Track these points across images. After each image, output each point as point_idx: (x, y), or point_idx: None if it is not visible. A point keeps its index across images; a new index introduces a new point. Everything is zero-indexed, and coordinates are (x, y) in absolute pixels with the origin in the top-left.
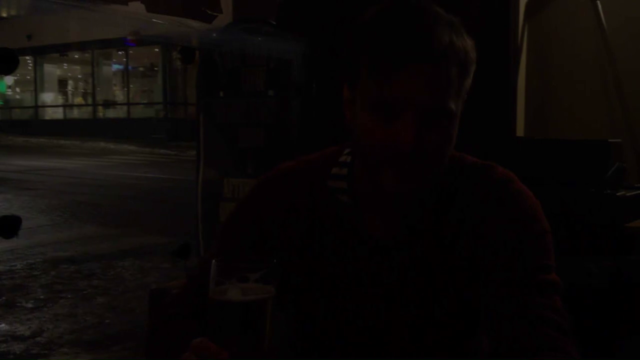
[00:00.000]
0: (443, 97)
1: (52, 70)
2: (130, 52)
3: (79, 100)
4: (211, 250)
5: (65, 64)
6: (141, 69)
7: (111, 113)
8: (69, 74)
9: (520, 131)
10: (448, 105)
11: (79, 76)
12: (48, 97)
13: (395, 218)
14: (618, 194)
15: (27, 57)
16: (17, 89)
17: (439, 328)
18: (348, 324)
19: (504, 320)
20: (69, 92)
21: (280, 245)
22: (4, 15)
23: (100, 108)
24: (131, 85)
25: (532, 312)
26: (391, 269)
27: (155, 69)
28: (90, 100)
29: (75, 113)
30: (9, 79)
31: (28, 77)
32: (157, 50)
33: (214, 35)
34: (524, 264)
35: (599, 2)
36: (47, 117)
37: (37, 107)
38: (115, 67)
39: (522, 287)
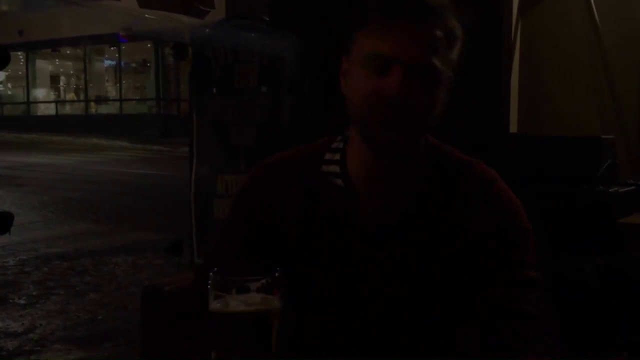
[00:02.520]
0: (428, 55)
1: (44, 66)
2: (123, 48)
3: (71, 96)
4: (214, 243)
5: (57, 60)
6: (133, 65)
7: (103, 109)
8: (61, 70)
9: (513, 128)
10: (433, 62)
11: (71, 72)
12: (40, 93)
13: (386, 201)
14: (611, 190)
15: (19, 53)
16: (9, 85)
17: (429, 311)
18: (341, 304)
19: (484, 314)
20: (61, 88)
21: (278, 230)
22: None
23: (92, 104)
24: (123, 81)
25: (512, 306)
26: (382, 249)
27: (148, 65)
28: (82, 96)
29: (68, 109)
30: (0, 75)
31: (20, 73)
32: (149, 46)
33: (207, 31)
34: (506, 261)
35: (591, 0)
36: (39, 113)
37: (29, 103)
38: (108, 63)
39: (504, 282)
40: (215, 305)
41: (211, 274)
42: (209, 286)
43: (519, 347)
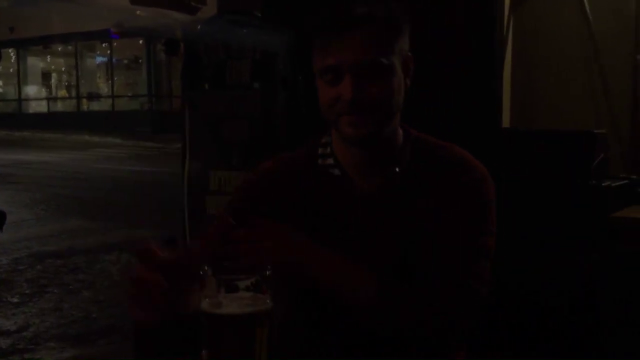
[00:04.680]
0: (370, 53)
1: (36, 63)
2: (114, 44)
3: (62, 93)
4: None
5: (48, 57)
6: (125, 61)
7: (95, 106)
8: (53, 67)
9: (506, 123)
10: (379, 60)
11: (63, 69)
12: (31, 90)
13: (373, 179)
14: (604, 184)
15: (10, 50)
16: (0, 82)
17: (413, 272)
18: None
19: (431, 275)
20: (53, 85)
21: (281, 220)
22: None
23: (84, 101)
24: (115, 78)
25: (458, 276)
26: (374, 218)
27: (140, 61)
28: (74, 93)
29: (59, 106)
30: None
31: (11, 70)
32: (141, 42)
33: (199, 27)
34: (468, 228)
35: None
36: (30, 111)
37: (21, 100)
38: (99, 59)
39: (460, 250)
40: (205, 304)
41: (200, 272)
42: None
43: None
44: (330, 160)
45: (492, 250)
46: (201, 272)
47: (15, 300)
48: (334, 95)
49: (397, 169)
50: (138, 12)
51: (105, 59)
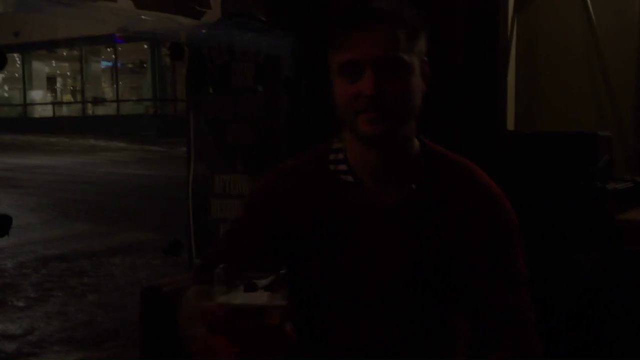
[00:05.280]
0: (393, 50)
1: (41, 68)
2: (119, 48)
3: (67, 97)
4: (219, 242)
5: (53, 61)
6: (130, 65)
7: (100, 110)
8: (58, 71)
9: (510, 125)
10: (399, 56)
11: (68, 73)
12: (37, 94)
13: (387, 186)
14: (608, 186)
15: (15, 54)
16: (5, 87)
17: (426, 297)
18: (349, 279)
19: (479, 313)
20: (58, 90)
21: (289, 229)
22: None
23: (89, 105)
24: (120, 82)
25: (504, 310)
26: (387, 228)
27: (144, 65)
28: (79, 98)
29: (64, 110)
30: None
31: (16, 75)
32: (145, 46)
33: (203, 31)
34: (498, 261)
35: None
36: (36, 115)
37: (26, 105)
38: (104, 63)
39: (496, 283)
40: (221, 300)
41: (217, 270)
42: (215, 281)
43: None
44: (344, 167)
45: (527, 277)
46: (218, 272)
47: (20, 304)
48: (353, 92)
49: (414, 186)
50: (143, 17)
51: (110, 64)
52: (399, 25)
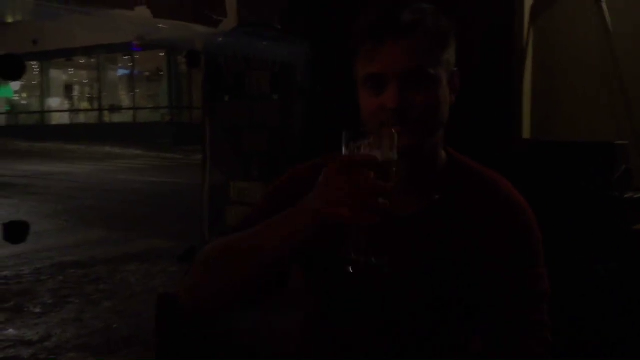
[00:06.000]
0: (417, 62)
1: (58, 76)
2: (136, 56)
3: (85, 105)
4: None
5: (71, 69)
6: (147, 73)
7: (117, 118)
8: (75, 79)
9: (526, 134)
10: (425, 69)
11: (85, 81)
12: (54, 102)
13: (411, 195)
14: (625, 196)
15: (33, 63)
16: (24, 95)
17: (444, 309)
18: (363, 287)
19: (496, 327)
20: (75, 97)
21: None
22: (10, 20)
23: (106, 113)
24: (137, 90)
25: (522, 325)
26: (408, 237)
27: (161, 73)
28: (96, 105)
29: (82, 118)
30: (15, 85)
31: (34, 83)
32: (162, 54)
33: (219, 39)
34: (520, 275)
35: (603, 4)
36: (53, 122)
37: (44, 112)
38: (121, 71)
39: (517, 298)
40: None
41: (344, 132)
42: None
43: None
44: None
45: (548, 292)
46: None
47: (37, 310)
48: (377, 105)
49: (437, 197)
50: (160, 25)
51: (127, 71)
52: (423, 36)
